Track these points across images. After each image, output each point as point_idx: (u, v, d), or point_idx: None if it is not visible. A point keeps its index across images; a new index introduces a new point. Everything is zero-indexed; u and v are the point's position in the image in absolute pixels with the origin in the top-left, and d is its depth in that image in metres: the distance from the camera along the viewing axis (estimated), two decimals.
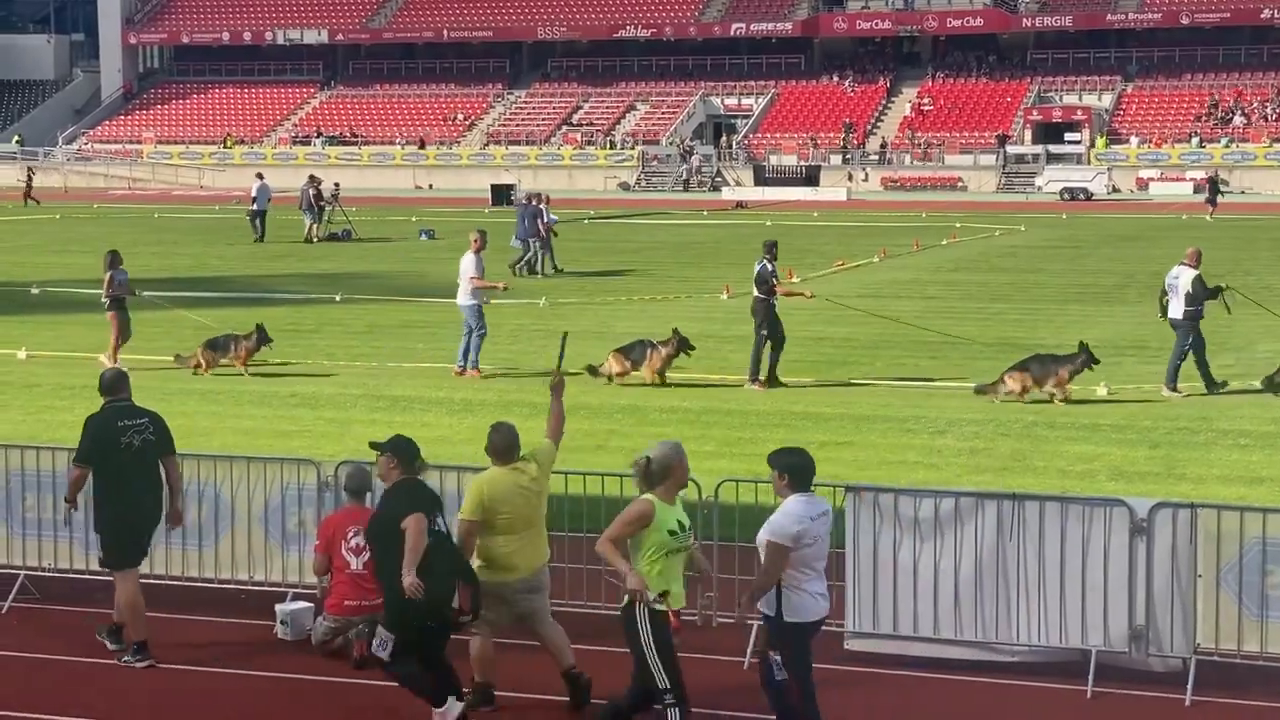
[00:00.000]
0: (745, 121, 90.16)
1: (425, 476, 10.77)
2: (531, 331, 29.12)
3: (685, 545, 9.72)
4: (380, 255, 46.85)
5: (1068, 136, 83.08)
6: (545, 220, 40.19)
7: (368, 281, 38.40)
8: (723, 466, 15.88)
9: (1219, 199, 61.99)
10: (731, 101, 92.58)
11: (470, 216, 61.81)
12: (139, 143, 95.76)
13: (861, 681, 11.33)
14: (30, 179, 72.88)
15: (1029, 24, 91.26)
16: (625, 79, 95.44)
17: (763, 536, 9.60)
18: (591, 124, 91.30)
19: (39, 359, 25.94)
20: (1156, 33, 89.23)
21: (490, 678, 10.87)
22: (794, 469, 9.72)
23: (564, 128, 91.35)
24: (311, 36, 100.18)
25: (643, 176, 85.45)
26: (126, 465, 11.62)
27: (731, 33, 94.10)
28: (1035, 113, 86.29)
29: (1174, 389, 21.95)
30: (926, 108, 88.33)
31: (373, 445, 10.84)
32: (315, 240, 50.73)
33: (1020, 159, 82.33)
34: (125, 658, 11.72)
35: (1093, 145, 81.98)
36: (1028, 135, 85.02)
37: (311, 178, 53.66)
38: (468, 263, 23.89)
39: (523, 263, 39.69)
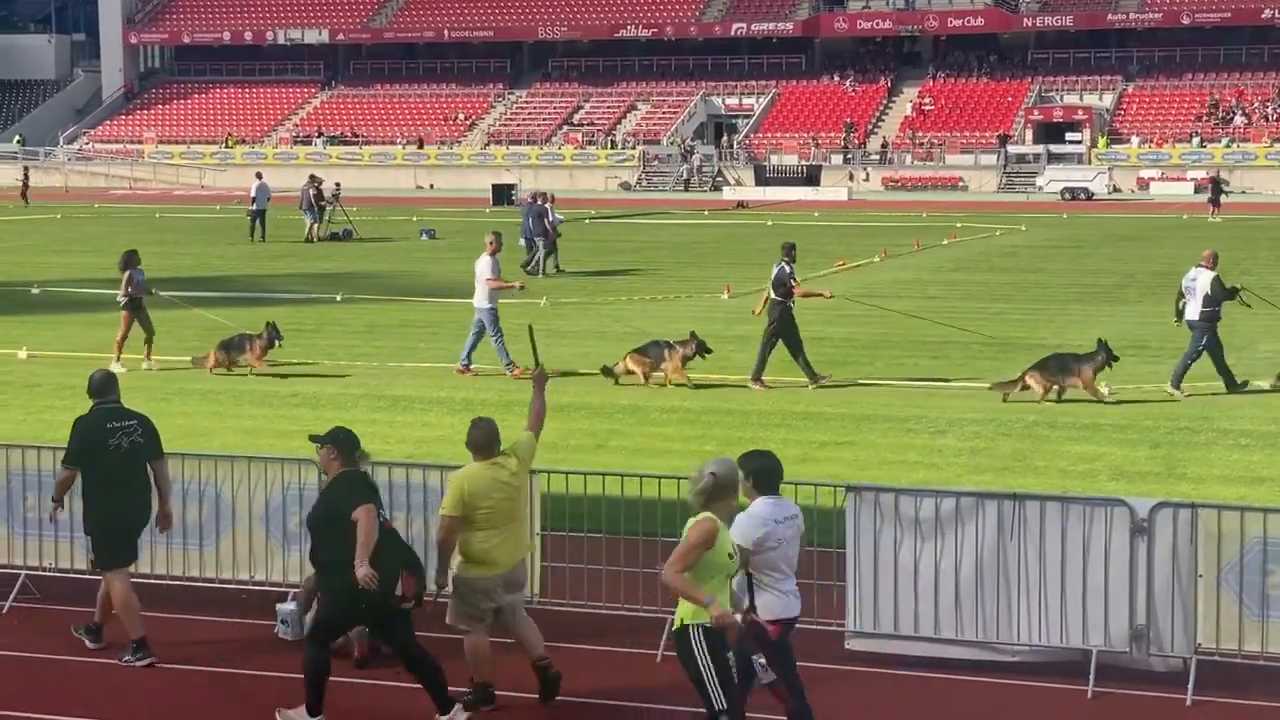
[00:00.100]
0: (746, 121, 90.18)
1: (367, 467, 10.83)
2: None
3: (736, 570, 9.39)
4: (381, 255, 46.85)
5: (1069, 136, 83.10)
6: (551, 220, 40.19)
7: (369, 281, 38.40)
8: None
9: (1222, 199, 62.00)
10: (732, 101, 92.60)
11: (471, 216, 61.86)
12: (140, 142, 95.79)
13: (862, 681, 11.33)
14: (26, 178, 72.75)
15: (1030, 24, 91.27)
16: (626, 79, 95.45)
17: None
18: (592, 124, 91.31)
19: (40, 359, 25.94)
20: (1157, 32, 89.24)
21: (489, 676, 10.86)
22: (759, 472, 9.64)
23: (565, 127, 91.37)
24: (312, 36, 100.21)
25: (644, 176, 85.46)
26: (115, 467, 11.64)
27: (732, 32, 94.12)
28: (1036, 112, 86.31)
29: (1177, 389, 21.92)
30: (927, 107, 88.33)
31: (312, 438, 10.91)
32: (316, 240, 50.75)
33: (1021, 159, 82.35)
34: (125, 657, 11.73)
35: (1094, 145, 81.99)
36: (1029, 135, 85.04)
37: (312, 177, 53.68)
38: (483, 265, 23.76)
39: (532, 262, 39.65)
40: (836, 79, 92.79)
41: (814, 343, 26.84)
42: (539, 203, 40.76)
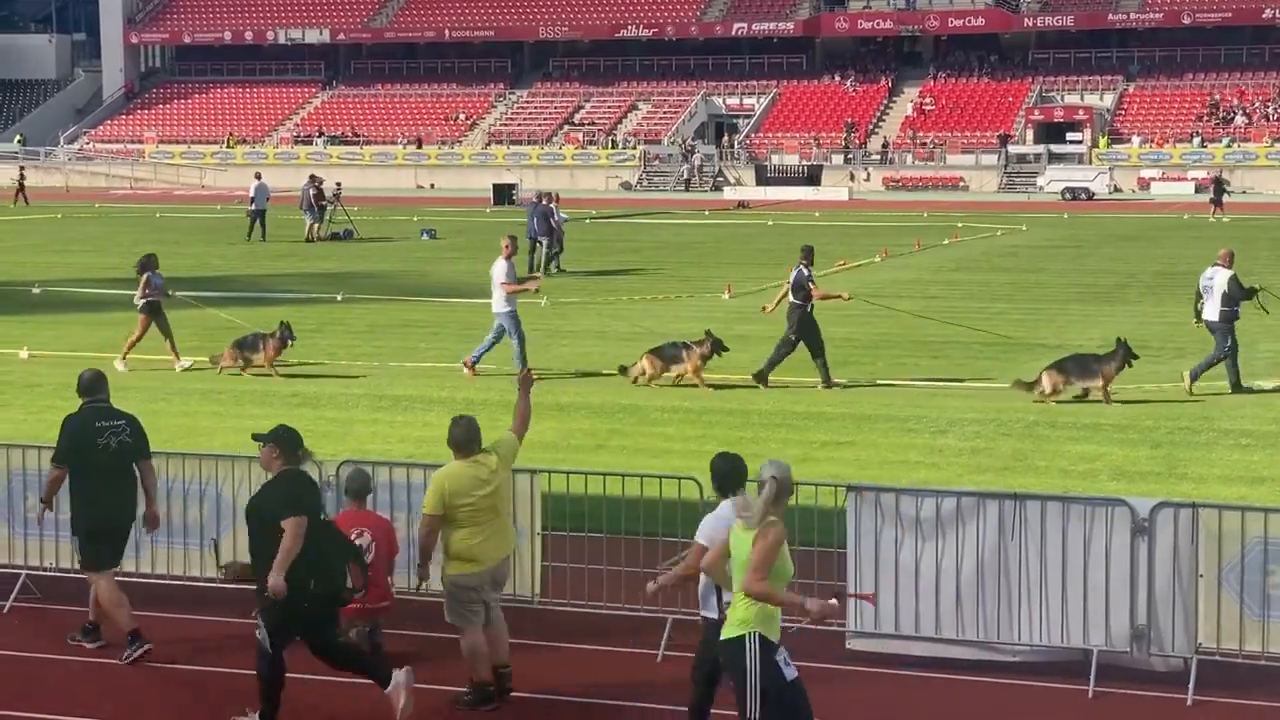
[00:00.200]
0: (747, 121, 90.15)
1: (308, 466, 10.86)
2: (533, 332, 28.98)
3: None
4: (382, 255, 46.85)
5: (1069, 136, 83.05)
6: (556, 219, 40.18)
7: (369, 281, 38.41)
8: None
9: (1224, 199, 61.95)
10: (733, 101, 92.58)
11: (472, 216, 61.90)
12: (141, 142, 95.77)
13: (863, 681, 11.33)
14: (22, 179, 72.65)
15: (1030, 24, 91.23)
16: (627, 79, 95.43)
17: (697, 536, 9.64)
18: (593, 123, 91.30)
19: (41, 359, 25.94)
20: (1158, 32, 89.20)
21: (487, 675, 10.87)
22: (716, 473, 9.75)
23: (566, 127, 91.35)
24: (313, 36, 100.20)
25: (644, 176, 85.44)
26: (103, 466, 11.66)
27: (733, 32, 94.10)
28: (1037, 112, 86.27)
29: (1194, 381, 21.82)
30: (928, 107, 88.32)
31: (255, 437, 10.91)
32: (316, 240, 50.75)
33: (1022, 159, 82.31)
34: (124, 653, 11.73)
35: (1094, 145, 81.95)
36: (1029, 135, 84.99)
37: (312, 177, 53.67)
38: (499, 269, 23.65)
39: (542, 261, 39.56)
40: (837, 79, 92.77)
41: None
42: (544, 202, 40.75)
